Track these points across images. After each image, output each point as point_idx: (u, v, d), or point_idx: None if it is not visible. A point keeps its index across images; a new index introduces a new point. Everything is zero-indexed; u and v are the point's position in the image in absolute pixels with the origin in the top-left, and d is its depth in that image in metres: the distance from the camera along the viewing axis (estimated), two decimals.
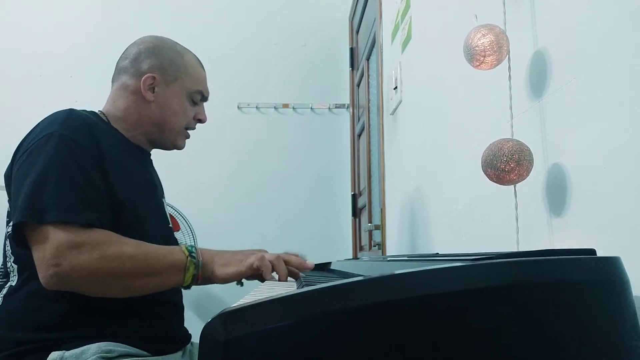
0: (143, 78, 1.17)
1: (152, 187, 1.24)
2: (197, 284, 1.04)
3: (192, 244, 2.50)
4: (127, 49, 1.24)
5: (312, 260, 1.15)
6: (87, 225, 0.98)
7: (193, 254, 1.02)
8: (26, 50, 3.28)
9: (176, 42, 1.26)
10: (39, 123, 1.07)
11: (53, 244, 0.94)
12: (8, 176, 1.07)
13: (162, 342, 1.11)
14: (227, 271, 1.04)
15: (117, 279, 0.98)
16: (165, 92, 1.19)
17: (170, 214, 1.33)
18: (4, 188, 1.10)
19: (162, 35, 1.27)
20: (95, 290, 0.99)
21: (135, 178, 1.15)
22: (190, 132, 1.27)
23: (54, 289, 0.96)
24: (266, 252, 1.11)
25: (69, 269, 0.94)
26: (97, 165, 1.03)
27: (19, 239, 0.99)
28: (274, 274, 1.07)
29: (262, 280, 1.10)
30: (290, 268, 1.09)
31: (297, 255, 1.12)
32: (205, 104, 1.30)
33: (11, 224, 1.06)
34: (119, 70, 1.22)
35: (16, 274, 1.05)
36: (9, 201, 1.07)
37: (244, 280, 1.37)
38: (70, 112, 1.08)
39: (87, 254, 0.95)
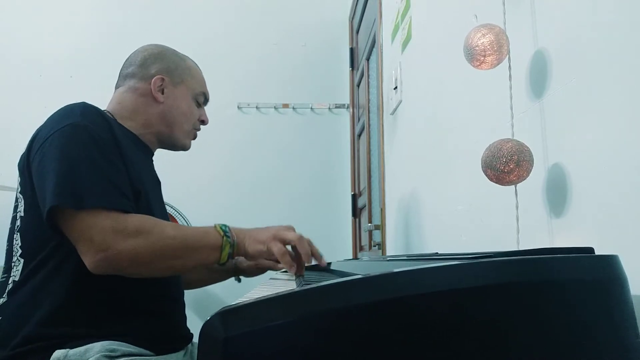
0: (153, 80, 1.22)
1: (156, 183, 1.28)
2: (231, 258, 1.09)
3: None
4: (130, 57, 1.28)
5: (313, 260, 1.16)
6: (124, 211, 1.01)
7: (228, 234, 1.06)
8: (26, 50, 3.27)
9: (175, 49, 1.32)
10: (53, 115, 1.09)
11: (98, 230, 0.97)
12: (23, 167, 1.09)
13: (165, 341, 1.13)
14: (256, 248, 1.08)
15: (161, 260, 1.03)
16: (174, 93, 1.25)
17: (169, 214, 1.35)
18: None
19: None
20: (141, 272, 1.03)
21: (144, 172, 1.19)
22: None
23: (100, 273, 0.99)
24: (293, 229, 1.13)
25: (117, 253, 0.97)
26: (118, 155, 1.07)
27: (52, 224, 1.00)
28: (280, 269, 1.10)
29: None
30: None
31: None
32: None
33: (19, 217, 1.08)
34: (124, 76, 1.26)
35: (20, 269, 1.06)
36: (22, 192, 1.09)
37: (241, 277, 1.40)
38: (85, 104, 1.11)
39: (133, 238, 0.98)
